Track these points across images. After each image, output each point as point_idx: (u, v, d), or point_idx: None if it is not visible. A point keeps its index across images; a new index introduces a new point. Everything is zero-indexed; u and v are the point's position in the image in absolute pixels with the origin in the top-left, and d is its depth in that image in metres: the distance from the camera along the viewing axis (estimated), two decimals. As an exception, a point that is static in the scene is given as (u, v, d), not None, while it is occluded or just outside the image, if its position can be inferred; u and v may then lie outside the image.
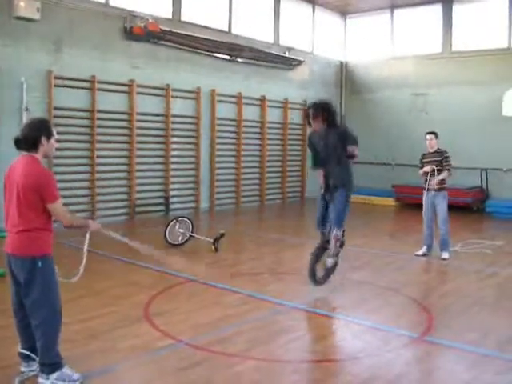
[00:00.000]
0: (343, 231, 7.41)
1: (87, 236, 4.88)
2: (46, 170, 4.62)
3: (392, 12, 19.48)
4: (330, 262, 7.41)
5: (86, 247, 4.89)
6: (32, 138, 4.45)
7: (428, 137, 9.87)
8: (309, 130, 7.75)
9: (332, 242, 7.29)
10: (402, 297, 7.42)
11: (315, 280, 7.45)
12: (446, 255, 9.69)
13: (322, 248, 7.46)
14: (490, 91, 16.66)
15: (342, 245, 7.45)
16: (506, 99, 15.80)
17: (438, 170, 9.61)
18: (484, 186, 16.87)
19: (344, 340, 5.93)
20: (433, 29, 18.43)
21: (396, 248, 10.73)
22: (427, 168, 9.70)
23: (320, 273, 7.52)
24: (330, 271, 7.57)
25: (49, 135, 4.52)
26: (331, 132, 7.17)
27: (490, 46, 17.09)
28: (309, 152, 7.86)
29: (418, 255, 9.89)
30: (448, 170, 9.65)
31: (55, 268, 4.58)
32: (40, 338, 4.47)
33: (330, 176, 7.31)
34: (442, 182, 9.71)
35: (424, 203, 9.89)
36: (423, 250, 9.93)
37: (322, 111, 7.17)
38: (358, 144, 7.21)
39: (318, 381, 4.76)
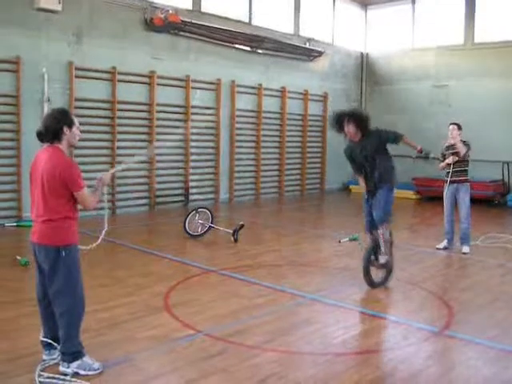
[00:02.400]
0: (390, 231, 7.30)
1: (105, 193, 4.89)
2: (71, 160, 4.65)
3: (413, 2, 19.29)
4: (381, 259, 7.27)
5: (106, 205, 4.91)
6: (54, 129, 4.47)
7: (450, 127, 9.69)
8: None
9: (380, 241, 7.20)
10: (423, 291, 7.37)
11: (371, 282, 7.30)
12: (466, 249, 9.60)
13: (373, 248, 7.31)
14: (513, 83, 16.47)
15: (391, 244, 7.36)
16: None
17: (459, 162, 9.50)
18: (506, 179, 16.69)
19: (364, 333, 5.90)
20: (455, 19, 18.20)
21: (416, 241, 10.66)
22: (449, 159, 9.57)
23: (377, 277, 7.40)
24: (387, 272, 7.41)
25: (70, 124, 4.53)
26: (368, 138, 7.12)
27: (513, 37, 16.88)
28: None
29: (438, 249, 9.82)
30: (466, 152, 9.44)
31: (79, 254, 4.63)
32: (63, 326, 4.51)
33: (370, 180, 7.22)
34: (465, 173, 9.58)
35: (445, 196, 9.79)
36: (444, 243, 9.85)
37: (355, 121, 7.08)
38: (401, 136, 7.27)
39: (338, 374, 4.75)
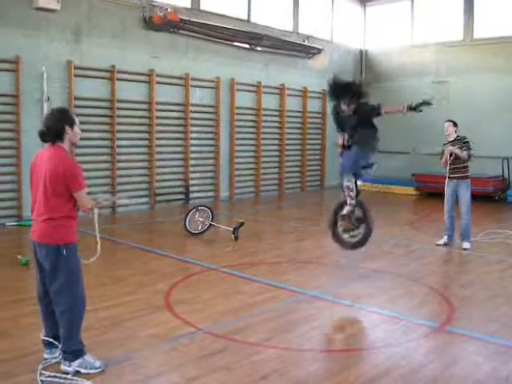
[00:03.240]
0: (355, 181, 7.42)
1: (96, 214, 4.85)
2: (72, 159, 4.66)
3: (412, -1, 19.29)
4: (345, 209, 7.45)
5: (97, 226, 4.88)
6: (56, 128, 4.48)
7: (446, 124, 9.75)
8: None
9: (346, 192, 7.37)
10: (423, 287, 7.38)
11: (337, 237, 7.58)
12: (467, 245, 9.60)
13: (342, 204, 7.51)
14: (513, 79, 16.47)
15: (357, 194, 7.47)
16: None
17: (459, 158, 9.50)
18: (506, 175, 16.69)
19: (364, 329, 5.92)
20: (454, 16, 18.19)
21: (416, 237, 10.68)
22: (446, 150, 9.54)
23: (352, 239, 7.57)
24: (363, 234, 7.55)
25: (72, 123, 4.55)
26: (356, 112, 7.31)
27: (513, 32, 16.85)
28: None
29: (438, 245, 9.83)
30: (468, 153, 9.47)
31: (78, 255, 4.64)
32: (63, 325, 4.53)
33: (349, 139, 7.41)
34: (465, 170, 9.59)
35: (445, 192, 9.80)
36: (444, 239, 9.86)
37: (354, 99, 7.26)
38: (381, 107, 7.45)
39: (339, 370, 4.76)
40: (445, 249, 9.70)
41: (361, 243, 7.60)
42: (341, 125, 7.57)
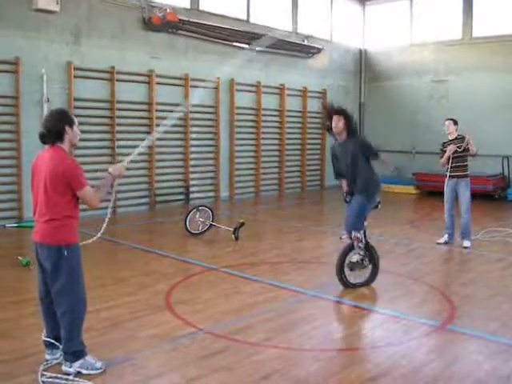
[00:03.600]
0: (364, 232, 7.24)
1: (114, 189, 4.87)
2: (72, 158, 4.67)
3: (411, -2, 19.30)
4: (353, 257, 7.23)
5: (111, 203, 4.91)
6: (56, 129, 4.49)
7: (446, 123, 9.79)
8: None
9: (355, 244, 7.16)
10: (424, 285, 7.38)
11: (345, 282, 7.23)
12: (467, 243, 9.61)
13: (349, 248, 7.26)
14: (512, 77, 16.48)
15: (366, 245, 7.29)
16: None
17: (459, 157, 9.52)
18: (506, 173, 16.69)
19: (365, 329, 5.92)
20: (453, 14, 18.19)
21: (417, 236, 10.68)
22: (449, 149, 9.52)
23: (362, 277, 7.37)
24: (369, 274, 7.40)
25: (71, 124, 4.57)
26: (351, 142, 7.06)
27: (511, 31, 16.83)
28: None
29: (439, 243, 9.84)
30: (472, 150, 9.46)
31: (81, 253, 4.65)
32: (65, 326, 4.53)
33: (351, 184, 7.22)
34: (465, 168, 9.61)
35: (445, 191, 9.80)
36: (445, 238, 9.87)
37: (344, 116, 7.03)
38: (379, 156, 7.18)
39: (340, 370, 4.76)
40: (445, 247, 9.71)
41: (368, 283, 7.40)
42: (338, 161, 7.33)
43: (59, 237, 4.46)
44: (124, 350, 5.08)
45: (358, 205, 7.09)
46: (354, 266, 7.25)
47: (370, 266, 7.38)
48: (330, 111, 7.17)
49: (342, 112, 7.07)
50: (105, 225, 4.98)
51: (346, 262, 7.19)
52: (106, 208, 5.12)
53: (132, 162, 13.10)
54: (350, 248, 7.23)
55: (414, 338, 5.48)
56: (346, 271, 7.20)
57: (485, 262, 8.83)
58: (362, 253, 7.21)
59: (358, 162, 7.03)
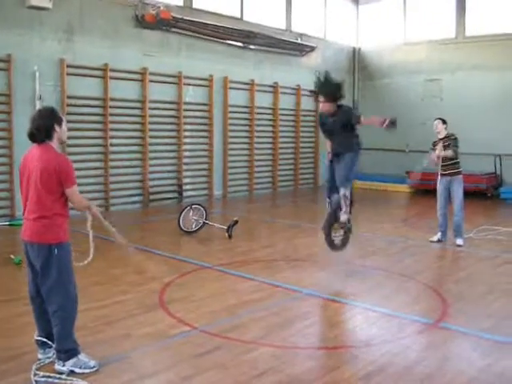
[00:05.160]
0: (351, 190, 7.56)
1: (89, 218, 4.84)
2: (64, 155, 4.66)
3: (405, -3, 19.32)
4: (342, 217, 7.54)
5: (89, 228, 4.88)
6: (46, 127, 4.48)
7: (435, 122, 9.83)
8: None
9: (341, 201, 7.44)
10: (417, 283, 7.40)
11: (335, 247, 7.69)
12: (460, 242, 9.64)
13: (332, 215, 7.59)
14: (505, 76, 16.55)
15: (351, 203, 7.61)
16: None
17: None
18: (498, 171, 16.75)
19: (359, 326, 5.91)
20: (446, 13, 18.23)
21: (410, 234, 10.70)
22: (438, 148, 9.57)
23: (337, 240, 7.72)
24: (345, 232, 7.74)
25: (60, 122, 4.57)
26: (339, 113, 7.38)
27: (504, 30, 16.86)
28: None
29: (432, 241, 9.86)
30: (454, 150, 9.48)
31: (72, 253, 4.62)
32: (56, 324, 4.51)
33: (337, 146, 7.53)
34: (457, 166, 9.63)
35: (438, 189, 9.83)
36: (438, 236, 9.89)
37: (330, 95, 7.31)
38: (361, 118, 7.52)
39: (334, 367, 4.76)
40: (438, 245, 9.72)
41: (344, 245, 7.84)
42: (326, 128, 7.66)
43: (49, 235, 4.44)
44: (118, 348, 5.07)
45: (351, 158, 7.44)
46: (343, 226, 7.63)
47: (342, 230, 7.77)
48: (316, 95, 7.50)
49: (325, 95, 7.33)
50: (92, 251, 4.99)
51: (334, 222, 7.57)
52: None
53: (124, 159, 13.19)
54: (335, 214, 7.56)
55: (407, 336, 5.49)
56: (333, 232, 7.56)
57: (478, 259, 8.85)
58: (348, 211, 7.52)
59: (346, 128, 7.39)
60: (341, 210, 7.51)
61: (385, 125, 7.26)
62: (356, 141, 7.55)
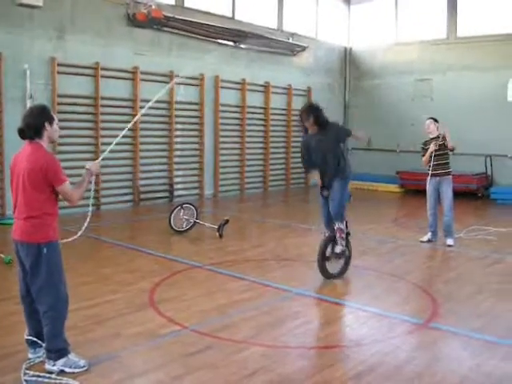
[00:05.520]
0: (346, 222, 7.48)
1: (92, 186, 4.85)
2: (51, 154, 4.64)
3: (396, -3, 19.37)
4: (337, 248, 7.43)
5: (91, 200, 4.89)
6: (35, 125, 4.46)
7: (427, 122, 9.85)
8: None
9: (337, 235, 7.37)
10: (407, 283, 7.42)
11: (328, 275, 7.43)
12: (450, 242, 9.68)
13: (329, 241, 7.44)
14: (495, 77, 16.60)
15: (347, 236, 7.53)
16: (511, 85, 15.73)
17: (441, 155, 9.59)
18: (489, 172, 16.83)
19: (349, 326, 5.93)
20: (437, 14, 18.27)
21: (400, 234, 10.73)
22: (431, 146, 9.59)
23: (334, 268, 7.52)
24: (345, 262, 7.61)
25: (51, 120, 4.54)
26: (326, 131, 7.27)
27: (496, 31, 16.92)
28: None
29: (422, 241, 9.89)
30: (451, 147, 9.57)
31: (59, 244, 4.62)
32: (47, 324, 4.49)
33: (325, 173, 7.39)
34: (447, 166, 9.68)
35: (428, 189, 9.87)
36: (428, 236, 9.92)
37: (311, 114, 7.24)
38: (350, 134, 7.63)
39: (324, 367, 4.77)
40: (429, 245, 9.76)
41: (342, 274, 7.66)
42: (310, 153, 7.47)
43: (39, 234, 4.43)
44: (108, 347, 5.06)
45: (340, 192, 7.34)
46: (338, 257, 7.50)
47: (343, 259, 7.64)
48: (300, 115, 7.42)
49: (308, 110, 7.31)
50: (86, 224, 4.96)
51: (329, 252, 7.42)
52: (88, 206, 5.08)
53: (115, 158, 13.15)
54: (330, 239, 7.43)
55: (397, 336, 5.51)
56: (327, 262, 7.40)
57: (468, 259, 8.89)
58: (344, 243, 7.44)
59: (335, 149, 7.30)
60: (337, 243, 7.41)
61: (365, 141, 7.48)
62: (344, 165, 7.36)
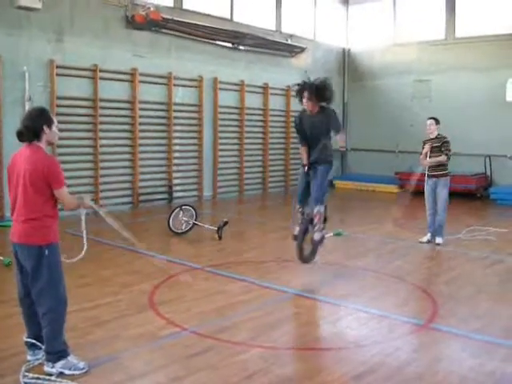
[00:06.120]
0: (325, 207, 7.57)
1: (83, 217, 4.84)
2: (52, 157, 4.63)
3: (394, -3, 19.38)
4: (316, 235, 7.53)
5: (83, 228, 4.88)
6: (34, 128, 4.46)
7: (428, 122, 9.85)
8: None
9: (315, 218, 7.44)
10: (407, 284, 7.42)
11: (304, 258, 7.60)
12: (440, 240, 9.75)
13: (305, 228, 7.56)
14: (494, 77, 16.60)
15: (325, 220, 7.63)
16: (510, 85, 15.74)
17: (437, 156, 9.61)
18: (488, 172, 16.83)
19: (349, 327, 5.92)
20: (436, 14, 18.28)
21: (400, 235, 10.72)
22: (426, 148, 9.65)
23: (307, 251, 7.66)
24: (316, 246, 7.68)
25: (50, 123, 4.53)
26: (322, 113, 7.36)
27: (494, 31, 16.92)
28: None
29: (422, 242, 9.89)
30: (446, 154, 9.60)
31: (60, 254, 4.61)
32: (46, 325, 4.49)
33: (313, 153, 7.47)
34: (443, 168, 9.69)
35: (425, 190, 9.89)
36: (427, 237, 9.93)
37: (316, 94, 7.26)
38: (340, 131, 7.61)
39: (324, 368, 4.77)
40: (428, 246, 9.76)
41: (313, 256, 7.76)
42: (303, 131, 7.57)
43: (39, 236, 4.42)
44: (107, 349, 5.05)
45: (326, 172, 7.46)
46: (318, 244, 7.63)
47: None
48: (301, 90, 7.42)
49: (310, 91, 7.27)
50: (85, 248, 4.97)
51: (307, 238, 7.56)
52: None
53: (114, 160, 13.13)
54: (310, 222, 7.53)
55: (397, 337, 5.50)
56: (306, 248, 7.53)
57: (467, 260, 8.89)
58: (322, 228, 7.54)
59: (325, 132, 7.37)
60: (314, 227, 7.50)
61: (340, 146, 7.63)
62: (330, 151, 7.53)
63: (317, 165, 7.45)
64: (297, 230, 7.62)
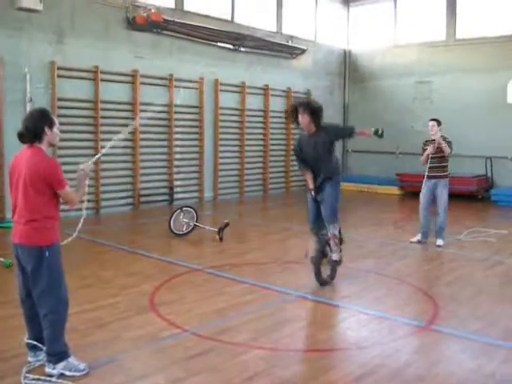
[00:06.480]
0: (339, 228, 7.31)
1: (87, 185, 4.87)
2: (53, 158, 4.64)
3: (395, -1, 19.39)
4: (334, 256, 7.30)
5: (85, 205, 4.92)
6: (35, 129, 4.46)
7: (430, 123, 9.83)
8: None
9: (331, 242, 7.24)
10: (408, 285, 7.42)
11: (322, 281, 7.30)
12: (440, 242, 9.75)
13: (322, 252, 7.28)
14: (495, 78, 16.60)
15: (341, 242, 7.38)
16: (511, 86, 15.74)
17: (439, 157, 9.61)
18: (489, 174, 16.82)
19: (350, 329, 5.92)
20: (437, 16, 18.28)
21: (400, 237, 10.71)
22: (429, 149, 9.64)
23: (325, 273, 7.41)
24: (335, 267, 7.45)
25: (51, 125, 4.53)
26: (321, 132, 7.08)
27: (495, 33, 16.92)
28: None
29: (412, 242, 9.93)
30: (450, 147, 9.58)
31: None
32: (47, 327, 4.49)
33: (318, 174, 7.21)
34: (445, 169, 9.69)
35: (422, 190, 9.87)
36: (418, 237, 9.96)
37: (310, 112, 7.03)
38: (353, 132, 7.36)
39: (325, 370, 4.76)
40: (428, 247, 9.75)
41: (332, 279, 7.50)
42: (304, 154, 7.29)
43: (40, 238, 4.42)
44: (108, 351, 5.05)
45: (334, 190, 7.15)
46: (336, 265, 7.39)
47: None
48: (295, 106, 7.22)
49: (306, 107, 7.09)
50: (80, 225, 4.97)
51: (324, 260, 7.30)
52: (84, 209, 5.07)
53: (115, 161, 13.16)
54: (327, 243, 7.29)
55: (398, 338, 5.50)
56: (323, 269, 7.28)
57: (468, 261, 8.88)
58: (339, 250, 7.32)
59: (328, 151, 7.12)
60: (331, 250, 7.29)
61: (371, 134, 7.32)
62: (336, 165, 7.28)
63: (323, 185, 7.16)
64: (312, 250, 7.31)
